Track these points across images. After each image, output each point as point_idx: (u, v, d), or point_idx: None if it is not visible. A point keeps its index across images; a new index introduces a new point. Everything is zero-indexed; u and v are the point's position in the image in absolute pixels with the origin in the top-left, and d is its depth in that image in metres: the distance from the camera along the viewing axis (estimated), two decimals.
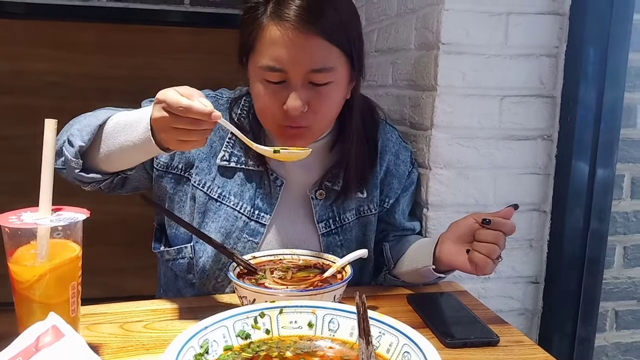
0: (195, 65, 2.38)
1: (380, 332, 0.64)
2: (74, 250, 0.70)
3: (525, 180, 1.24)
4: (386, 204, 1.12)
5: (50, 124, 0.70)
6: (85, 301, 0.92)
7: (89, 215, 0.71)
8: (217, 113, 0.75)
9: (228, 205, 1.04)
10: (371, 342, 0.59)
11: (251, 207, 1.04)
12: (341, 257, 1.08)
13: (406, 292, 1.06)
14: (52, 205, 0.70)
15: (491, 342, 0.85)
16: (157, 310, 0.92)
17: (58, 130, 0.72)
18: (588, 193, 1.24)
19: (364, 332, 0.61)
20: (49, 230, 0.67)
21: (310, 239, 1.07)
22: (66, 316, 0.69)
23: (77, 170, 0.92)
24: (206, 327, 0.62)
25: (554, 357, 0.82)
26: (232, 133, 1.04)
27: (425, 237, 1.19)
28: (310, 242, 1.06)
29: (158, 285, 1.19)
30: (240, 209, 1.04)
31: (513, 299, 1.28)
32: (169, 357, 0.54)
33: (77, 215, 0.70)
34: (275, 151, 0.87)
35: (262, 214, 1.04)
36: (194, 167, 1.04)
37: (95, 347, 0.78)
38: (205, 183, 1.04)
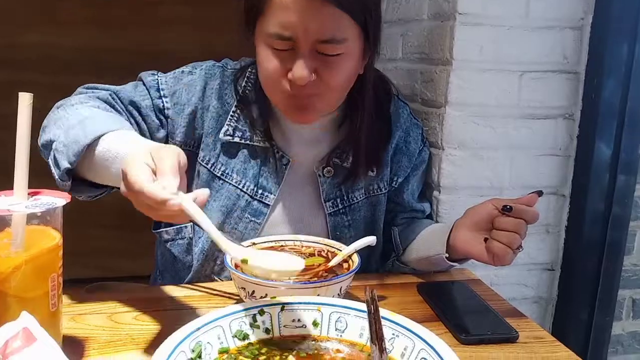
0: (195, 37, 2.28)
1: (393, 334, 0.58)
2: (54, 238, 0.63)
3: (543, 162, 1.17)
4: (395, 183, 1.06)
5: (24, 98, 0.62)
6: (79, 282, 0.87)
7: (69, 201, 0.64)
8: (173, 202, 0.59)
9: (230, 183, 0.98)
10: (385, 348, 0.53)
11: (254, 186, 0.98)
12: (348, 238, 1.02)
13: (416, 280, 0.99)
14: (29, 188, 0.63)
15: (510, 338, 0.79)
16: (149, 300, 0.86)
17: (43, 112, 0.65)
18: (610, 176, 1.16)
19: (377, 336, 0.54)
20: (24, 217, 0.60)
21: (316, 220, 1.01)
22: (45, 311, 0.63)
23: (65, 190, 0.82)
24: (198, 329, 0.56)
25: (576, 355, 0.76)
26: (236, 106, 0.98)
27: (437, 221, 1.12)
28: (316, 223, 1.01)
29: (155, 268, 1.13)
30: (244, 187, 0.98)
31: (527, 286, 1.22)
32: None
33: (55, 200, 0.62)
34: (243, 260, 0.63)
35: (266, 194, 0.99)
36: (202, 142, 0.99)
37: (80, 342, 0.71)
38: (209, 160, 0.99)
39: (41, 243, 0.62)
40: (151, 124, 0.97)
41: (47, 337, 0.48)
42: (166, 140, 0.99)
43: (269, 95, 0.94)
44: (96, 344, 0.71)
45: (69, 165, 0.78)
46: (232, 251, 0.62)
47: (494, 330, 0.80)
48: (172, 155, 0.63)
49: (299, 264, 0.62)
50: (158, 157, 0.63)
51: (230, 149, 0.99)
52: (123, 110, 0.94)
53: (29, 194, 0.63)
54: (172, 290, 0.90)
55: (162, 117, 0.98)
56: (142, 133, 0.95)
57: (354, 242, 0.87)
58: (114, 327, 0.76)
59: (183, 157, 0.65)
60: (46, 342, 0.48)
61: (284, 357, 0.58)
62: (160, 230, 1.04)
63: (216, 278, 1.02)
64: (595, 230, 1.18)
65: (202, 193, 0.63)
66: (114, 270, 1.99)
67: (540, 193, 0.86)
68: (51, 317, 0.63)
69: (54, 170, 0.81)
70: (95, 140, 0.77)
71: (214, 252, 0.99)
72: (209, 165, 0.99)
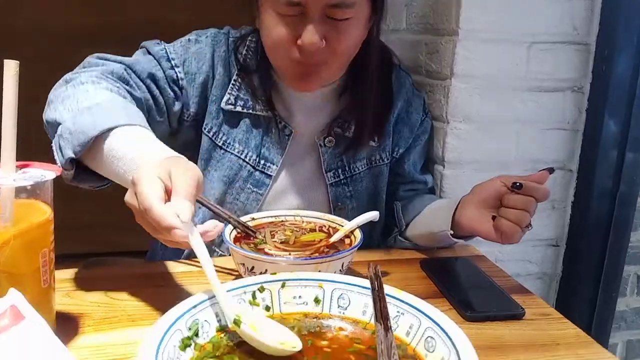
0: (196, 3, 2.21)
1: (398, 312, 0.56)
2: (44, 212, 0.61)
3: (551, 136, 1.14)
4: (396, 153, 1.04)
5: (10, 66, 0.58)
6: (75, 257, 0.85)
7: (59, 174, 0.61)
8: (180, 234, 0.54)
9: (232, 153, 0.97)
10: (390, 327, 0.51)
11: (257, 156, 0.96)
12: (350, 210, 1.00)
13: (419, 256, 0.97)
14: (18, 160, 0.60)
15: (516, 315, 0.77)
16: (146, 275, 0.84)
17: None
18: (619, 152, 1.14)
19: (382, 315, 0.52)
20: (12, 190, 0.57)
21: (317, 191, 1.00)
22: (37, 287, 0.60)
23: (68, 180, 0.78)
24: (195, 306, 0.54)
25: (584, 332, 0.74)
26: (237, 74, 0.96)
27: (441, 197, 1.10)
28: (317, 194, 1.00)
29: (153, 242, 1.11)
30: (246, 157, 0.96)
31: (531, 262, 1.20)
32: (149, 345, 0.46)
33: (45, 173, 0.60)
34: (236, 321, 0.54)
35: (269, 164, 0.97)
36: (207, 110, 0.96)
37: (74, 318, 0.69)
38: (211, 128, 0.96)
39: (31, 217, 0.59)
40: (168, 97, 0.92)
41: (35, 315, 0.46)
42: (181, 112, 0.95)
43: (274, 62, 0.91)
44: (91, 321, 0.69)
45: (73, 155, 0.72)
46: (227, 309, 0.55)
47: (499, 307, 0.78)
48: (192, 177, 0.58)
49: (296, 344, 0.53)
50: (176, 175, 0.58)
51: (232, 119, 0.96)
52: (139, 85, 0.88)
53: (17, 166, 0.60)
54: (170, 266, 0.87)
55: (176, 89, 0.93)
56: (158, 108, 0.91)
57: (355, 214, 0.85)
58: (109, 304, 0.74)
59: (201, 179, 0.61)
60: (35, 320, 0.45)
61: None
62: None
63: (216, 250, 1.00)
64: (602, 206, 1.16)
65: (214, 227, 0.61)
66: (111, 245, 1.97)
67: (551, 170, 0.83)
68: (43, 294, 0.61)
69: (57, 156, 0.75)
70: (104, 133, 0.72)
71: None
72: (211, 133, 0.96)
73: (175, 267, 0.87)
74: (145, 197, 0.56)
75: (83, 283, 0.80)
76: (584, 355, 0.68)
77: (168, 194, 0.58)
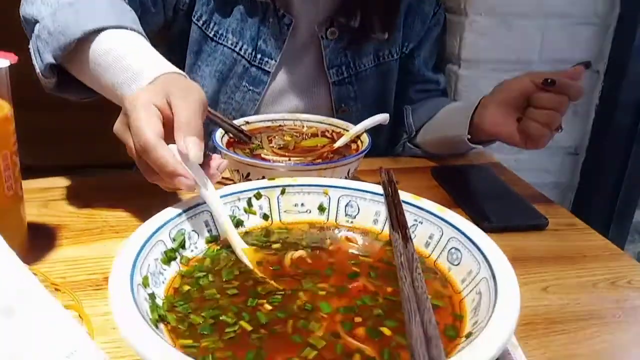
0: None
1: (415, 221, 0.48)
2: (1, 109, 0.52)
3: (579, 33, 1.02)
4: (406, 48, 0.94)
5: None
6: (57, 169, 0.77)
7: (14, 62, 0.51)
8: (184, 182, 0.45)
9: (225, 45, 0.86)
10: (410, 237, 0.43)
11: (252, 50, 0.86)
12: (354, 112, 0.91)
13: (430, 164, 0.89)
14: None
15: (539, 225, 0.70)
16: (133, 185, 0.75)
17: None
18: None
19: (398, 223, 0.44)
20: None
21: (319, 91, 0.91)
22: (0, 194, 0.53)
23: (49, 89, 0.67)
24: (180, 214, 0.46)
25: (613, 243, 0.68)
26: None
27: (455, 100, 1.00)
28: (319, 94, 0.91)
29: None
30: (240, 50, 0.86)
31: (547, 172, 1.13)
32: (124, 258, 0.38)
33: None
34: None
35: (266, 59, 0.87)
36: None
37: (50, 229, 0.62)
38: (201, 15, 0.86)
39: None
40: None
41: None
42: (176, 3, 0.84)
43: None
44: (69, 232, 0.62)
45: (52, 60, 0.62)
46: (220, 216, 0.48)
47: (520, 216, 0.71)
48: (195, 102, 0.48)
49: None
50: (177, 101, 0.48)
51: (224, 5, 0.85)
52: None
53: None
54: None
55: None
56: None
57: (361, 118, 0.76)
58: (90, 214, 0.67)
59: (205, 103, 0.50)
60: None
61: (284, 246, 0.49)
62: None
63: (210, 154, 0.91)
64: (629, 112, 1.07)
65: (218, 166, 0.49)
66: (96, 157, 1.87)
67: (588, 65, 0.73)
68: (8, 202, 0.54)
69: (35, 61, 0.65)
70: (89, 35, 0.60)
71: (208, 125, 0.87)
72: (201, 22, 0.86)
73: None
74: (142, 133, 0.45)
75: (62, 192, 0.72)
76: (614, 269, 0.62)
77: (167, 123, 0.48)
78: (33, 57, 0.64)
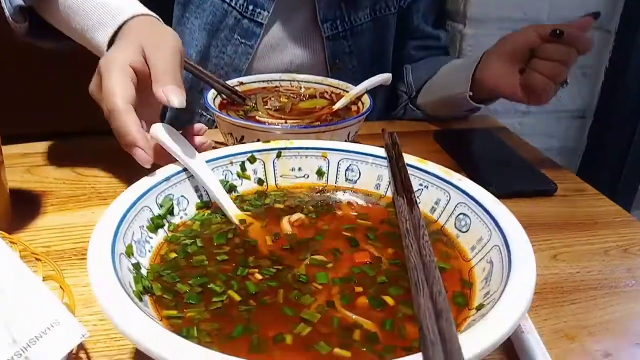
0: None
1: (421, 185, 0.45)
2: None
3: None
4: (404, 2, 0.89)
5: None
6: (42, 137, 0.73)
7: None
8: (139, 155, 0.46)
9: None
10: (416, 202, 0.40)
11: (244, 0, 0.82)
12: (350, 69, 0.87)
13: (432, 127, 0.85)
14: None
15: (547, 191, 0.67)
16: (120, 148, 0.72)
17: None
18: None
19: (403, 187, 0.41)
20: None
21: (313, 46, 0.86)
22: None
23: (20, 34, 0.64)
24: (167, 178, 0.43)
25: (625, 210, 0.65)
26: None
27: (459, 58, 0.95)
28: (313, 50, 0.86)
29: None
30: (231, 0, 0.82)
31: (553, 137, 1.09)
32: (105, 225, 0.35)
33: None
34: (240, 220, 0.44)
35: (259, 11, 0.82)
36: None
37: (35, 196, 0.59)
38: None
39: None
40: None
41: None
42: None
43: None
44: (55, 199, 0.59)
45: (22, 3, 0.59)
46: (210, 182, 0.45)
47: (528, 182, 0.68)
48: (171, 52, 0.48)
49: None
50: (152, 53, 0.47)
51: None
52: None
53: None
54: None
55: None
56: None
57: (357, 76, 0.72)
58: (77, 180, 0.63)
59: (183, 51, 0.50)
60: None
61: (282, 208, 0.46)
62: None
63: (203, 114, 0.88)
64: None
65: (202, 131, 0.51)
66: (83, 123, 1.82)
67: (597, 15, 0.69)
68: None
69: (4, 3, 0.61)
70: None
71: (199, 83, 0.83)
72: None
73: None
74: (110, 97, 0.45)
75: (48, 158, 0.69)
76: (626, 235, 0.59)
77: (146, 79, 0.47)
78: (2, 1, 0.61)
